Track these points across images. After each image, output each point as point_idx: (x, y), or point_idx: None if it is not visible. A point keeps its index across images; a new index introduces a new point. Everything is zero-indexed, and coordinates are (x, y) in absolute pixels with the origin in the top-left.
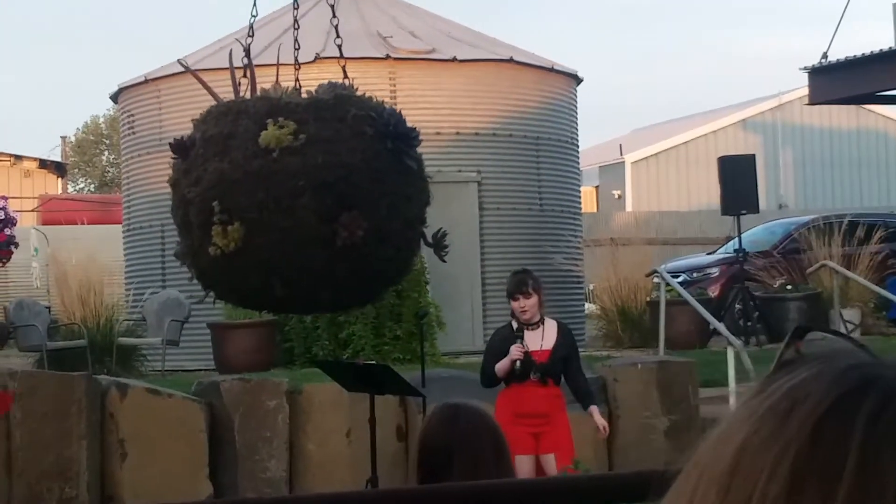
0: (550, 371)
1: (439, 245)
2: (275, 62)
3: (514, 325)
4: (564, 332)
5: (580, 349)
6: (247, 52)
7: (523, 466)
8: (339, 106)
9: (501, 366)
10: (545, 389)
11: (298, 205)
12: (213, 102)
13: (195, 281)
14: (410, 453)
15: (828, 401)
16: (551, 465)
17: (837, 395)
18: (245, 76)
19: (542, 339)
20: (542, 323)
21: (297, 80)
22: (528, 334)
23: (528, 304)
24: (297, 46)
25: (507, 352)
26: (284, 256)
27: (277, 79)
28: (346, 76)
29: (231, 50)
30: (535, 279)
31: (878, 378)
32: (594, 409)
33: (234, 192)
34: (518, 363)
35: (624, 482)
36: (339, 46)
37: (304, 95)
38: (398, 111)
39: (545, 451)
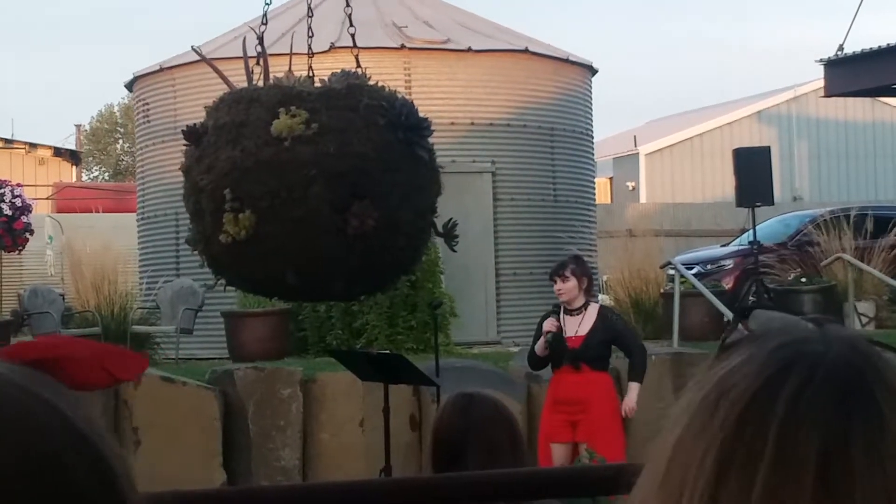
0: (583, 356)
1: (449, 235)
2: (288, 52)
3: (554, 308)
4: (604, 317)
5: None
6: (260, 40)
7: (557, 454)
8: (351, 95)
9: (539, 345)
10: (579, 376)
11: (310, 194)
12: (225, 92)
13: (207, 268)
14: (424, 443)
15: (752, 389)
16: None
17: (760, 381)
18: (259, 64)
19: (580, 324)
20: (585, 309)
21: (310, 68)
22: (568, 320)
23: (564, 288)
24: (310, 35)
25: None
26: (295, 245)
27: (290, 67)
28: (358, 65)
29: (244, 38)
30: (580, 265)
31: (801, 357)
32: (632, 385)
33: (246, 180)
34: (550, 336)
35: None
36: (353, 35)
37: (317, 84)
38: (410, 101)
39: (580, 439)
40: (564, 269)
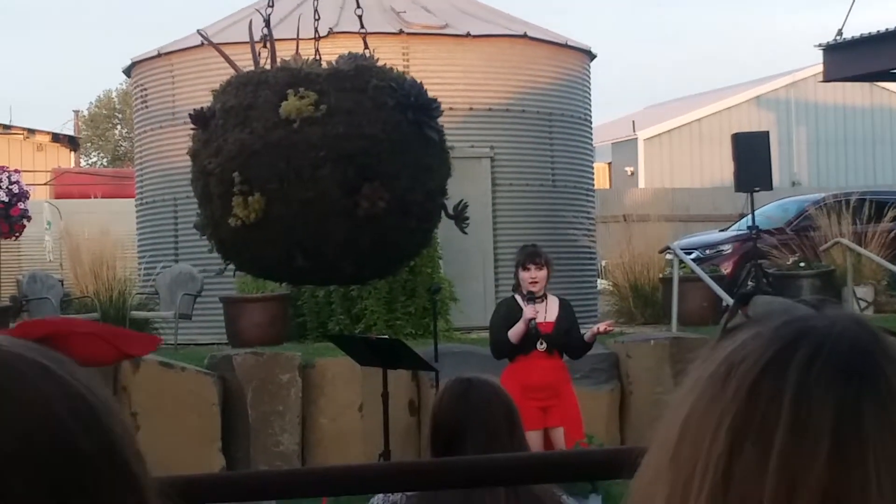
0: (555, 341)
1: (460, 217)
2: (289, 36)
3: (519, 298)
4: (565, 306)
5: (593, 325)
6: (266, 22)
7: (532, 442)
8: (359, 77)
9: (515, 330)
10: (551, 361)
11: (319, 176)
12: (225, 77)
13: (214, 252)
14: (423, 428)
15: (762, 360)
16: (560, 438)
17: (770, 354)
18: (265, 47)
19: (546, 311)
20: (545, 298)
21: (316, 50)
22: (533, 307)
23: (539, 276)
24: (316, 17)
25: (516, 320)
26: (305, 227)
27: (297, 49)
28: (366, 47)
29: (251, 20)
30: (546, 255)
31: (809, 331)
32: (594, 328)
33: (255, 162)
34: (532, 322)
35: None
36: (360, 17)
37: (324, 66)
38: (419, 82)
39: (554, 424)
40: (539, 256)
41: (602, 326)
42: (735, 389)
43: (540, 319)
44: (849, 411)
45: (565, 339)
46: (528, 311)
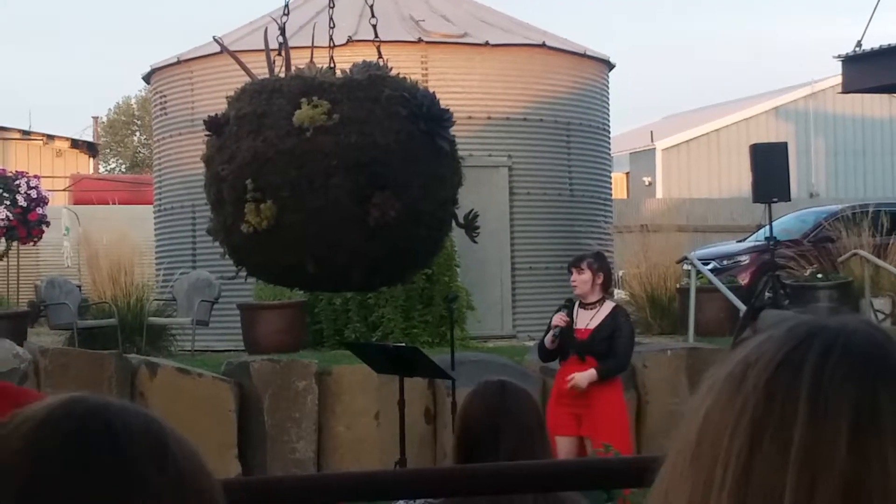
0: (589, 349)
1: (470, 226)
2: (307, 44)
3: (567, 302)
4: (616, 315)
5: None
6: (282, 30)
7: (562, 447)
8: (372, 86)
9: (547, 337)
10: (584, 367)
11: (331, 184)
12: (246, 83)
13: (226, 258)
14: (439, 436)
15: (777, 357)
16: (588, 447)
17: (785, 351)
18: (280, 55)
19: (592, 318)
20: (600, 304)
21: (331, 58)
22: (582, 313)
23: (578, 279)
24: (331, 25)
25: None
26: (317, 235)
27: (312, 58)
28: (380, 56)
29: (266, 29)
30: (599, 261)
31: (822, 329)
32: (593, 371)
33: (268, 170)
34: (557, 330)
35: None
36: (374, 26)
37: (338, 75)
38: (432, 92)
39: (584, 433)
40: (582, 261)
41: (577, 380)
42: (752, 387)
43: (581, 325)
44: (866, 404)
45: (604, 347)
46: (555, 318)
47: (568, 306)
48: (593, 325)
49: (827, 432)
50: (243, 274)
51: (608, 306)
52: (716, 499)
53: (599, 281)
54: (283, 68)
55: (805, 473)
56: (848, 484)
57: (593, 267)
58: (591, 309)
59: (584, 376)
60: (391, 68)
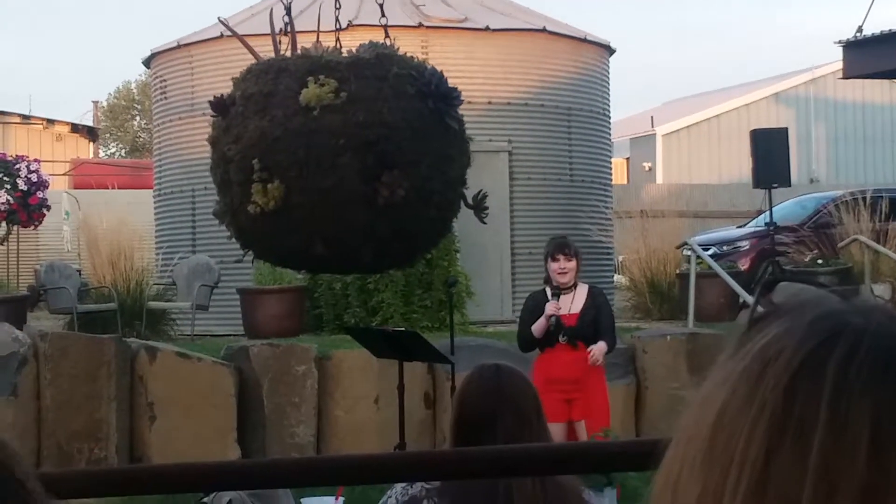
0: (579, 334)
1: (479, 207)
2: (313, 26)
3: (548, 290)
4: (594, 294)
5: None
6: (287, 10)
7: (555, 434)
8: (380, 65)
9: (538, 325)
10: (575, 353)
11: (339, 163)
12: (245, 67)
13: (232, 242)
14: (438, 420)
15: (798, 358)
16: (582, 431)
17: (807, 350)
18: (286, 35)
19: (572, 302)
20: (575, 288)
21: (337, 39)
22: (561, 298)
23: (568, 267)
24: (337, 6)
25: (543, 313)
26: (325, 215)
27: (318, 38)
28: (387, 35)
29: (272, 9)
30: (575, 246)
31: (845, 327)
32: (603, 345)
33: (275, 150)
34: (553, 319)
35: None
36: (381, 6)
37: (345, 55)
38: (440, 71)
39: (577, 417)
40: (569, 247)
41: (597, 353)
42: (771, 388)
43: (564, 311)
44: (888, 410)
45: (591, 330)
46: (549, 307)
47: (557, 294)
48: (575, 309)
49: (846, 439)
50: (250, 256)
51: (582, 288)
52: (730, 502)
53: (579, 266)
54: (290, 48)
55: (824, 481)
56: (867, 492)
57: (576, 252)
58: (569, 293)
59: (601, 350)
60: (398, 48)
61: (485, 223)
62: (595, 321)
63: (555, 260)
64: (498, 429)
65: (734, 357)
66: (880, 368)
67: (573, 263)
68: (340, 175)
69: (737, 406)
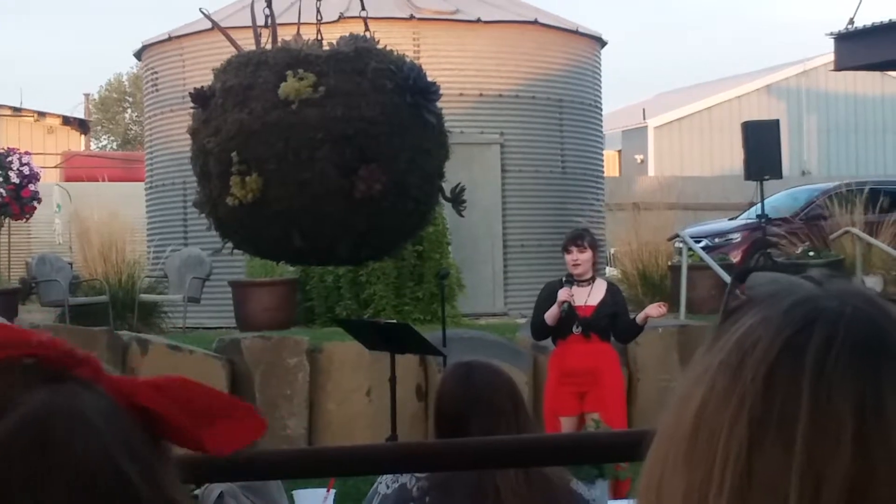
0: (593, 325)
1: (457, 200)
2: (296, 20)
3: (564, 279)
4: (613, 291)
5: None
6: (269, 3)
7: (566, 428)
8: (359, 59)
9: (550, 313)
10: (589, 345)
11: (317, 157)
12: (232, 55)
13: (213, 231)
14: (430, 413)
15: (775, 347)
16: (591, 423)
17: (784, 339)
18: (267, 28)
19: (589, 295)
20: (593, 282)
21: (318, 32)
22: (577, 290)
23: (581, 258)
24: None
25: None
26: (303, 208)
27: (298, 31)
28: (367, 29)
29: (252, 2)
30: (593, 238)
31: (820, 313)
32: (646, 310)
33: (253, 142)
34: (566, 305)
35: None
36: (362, 0)
37: (325, 48)
38: (419, 65)
39: (590, 409)
40: (583, 239)
41: (654, 311)
42: (750, 380)
43: (580, 303)
44: (870, 396)
45: (607, 323)
46: (561, 293)
47: (570, 282)
48: (593, 301)
49: (830, 429)
50: (229, 247)
51: (601, 283)
52: (715, 498)
53: (596, 259)
54: (270, 41)
55: (810, 473)
56: (854, 481)
57: (591, 244)
58: (586, 286)
59: (659, 311)
60: (378, 41)
61: (462, 216)
62: (613, 317)
63: (568, 252)
64: (472, 427)
65: (711, 350)
66: (858, 354)
67: (587, 255)
68: (318, 168)
69: (716, 401)
